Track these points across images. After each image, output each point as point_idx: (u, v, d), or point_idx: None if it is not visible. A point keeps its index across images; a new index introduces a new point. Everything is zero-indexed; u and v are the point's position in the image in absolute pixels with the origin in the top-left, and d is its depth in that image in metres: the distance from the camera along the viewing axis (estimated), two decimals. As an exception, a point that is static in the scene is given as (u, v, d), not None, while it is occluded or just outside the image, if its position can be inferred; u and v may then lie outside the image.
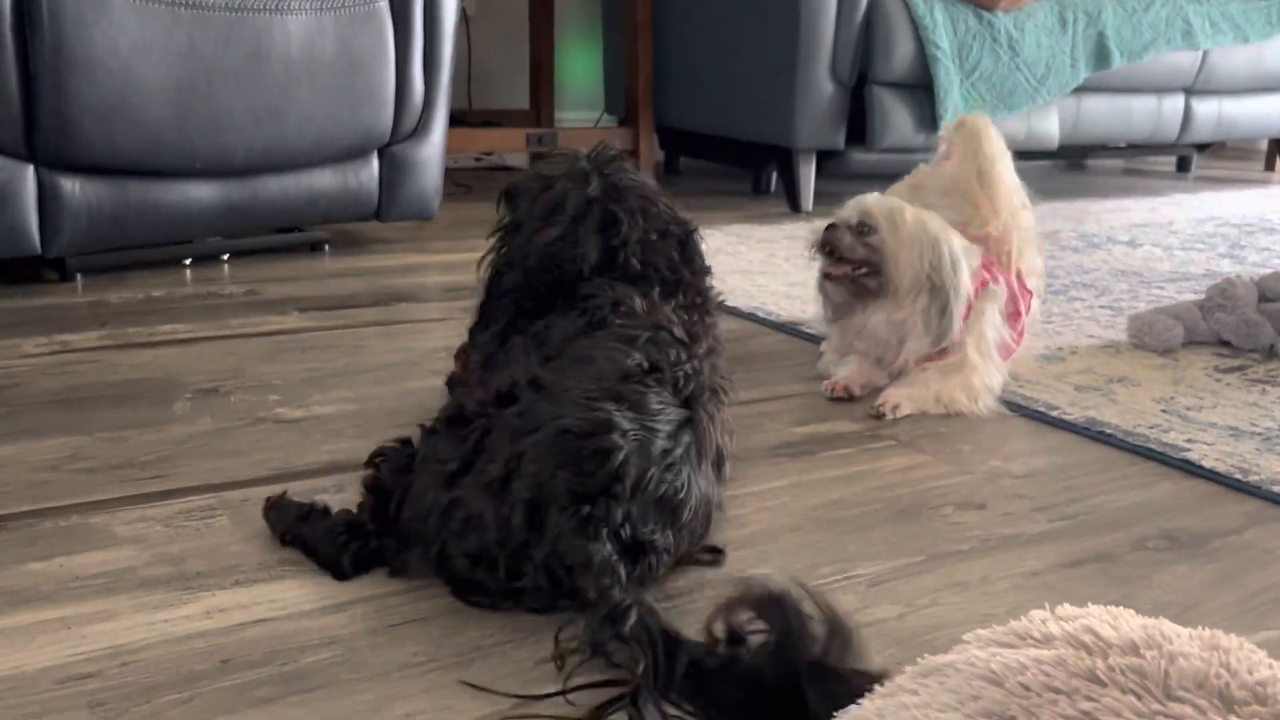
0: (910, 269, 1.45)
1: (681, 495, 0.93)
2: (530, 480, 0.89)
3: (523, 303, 1.29)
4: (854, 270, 1.48)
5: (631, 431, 0.92)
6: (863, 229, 1.47)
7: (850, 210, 1.50)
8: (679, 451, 0.95)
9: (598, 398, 0.94)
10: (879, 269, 1.47)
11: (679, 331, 1.13)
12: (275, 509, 1.04)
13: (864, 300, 1.50)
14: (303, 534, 1.00)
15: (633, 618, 0.82)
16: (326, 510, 1.02)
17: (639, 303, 1.17)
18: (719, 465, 1.03)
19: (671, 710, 0.78)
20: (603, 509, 0.88)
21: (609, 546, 0.87)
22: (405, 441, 1.04)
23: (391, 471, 1.00)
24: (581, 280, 1.24)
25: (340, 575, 0.96)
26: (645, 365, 1.00)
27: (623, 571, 0.87)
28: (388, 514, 0.98)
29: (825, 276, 1.52)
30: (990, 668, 0.58)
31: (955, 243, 1.46)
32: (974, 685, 0.58)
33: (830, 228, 1.49)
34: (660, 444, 0.93)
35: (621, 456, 0.89)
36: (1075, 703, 0.54)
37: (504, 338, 1.26)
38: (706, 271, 1.31)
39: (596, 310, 1.18)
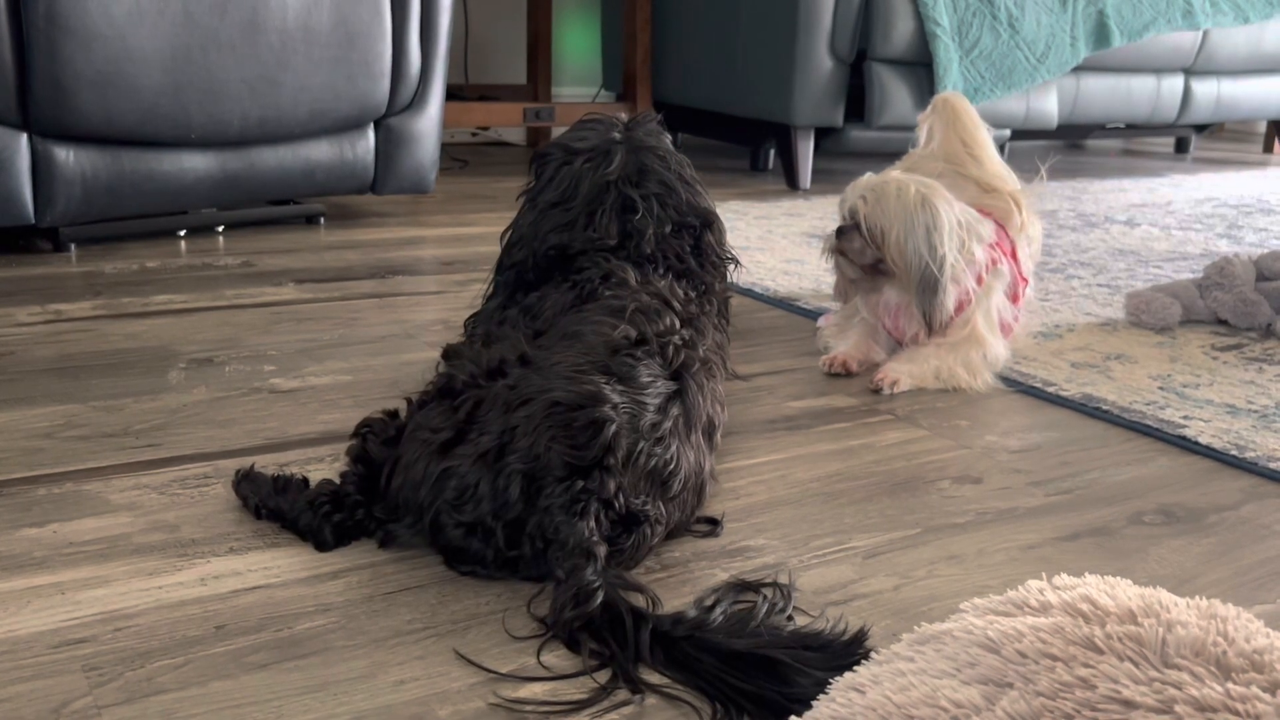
0: (899, 248, 1.44)
1: (671, 467, 0.94)
2: (526, 453, 0.89)
3: (524, 275, 1.29)
4: (868, 269, 1.49)
5: (621, 404, 0.92)
6: (870, 232, 1.46)
7: (844, 206, 1.50)
8: (668, 425, 0.95)
9: (586, 370, 0.95)
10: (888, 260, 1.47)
11: (676, 304, 1.13)
12: (247, 480, 1.03)
13: (879, 280, 1.50)
14: (280, 506, 0.99)
15: (599, 598, 0.82)
16: (305, 481, 1.01)
17: (631, 274, 1.17)
18: (709, 434, 1.04)
19: (655, 678, 0.78)
20: (595, 482, 0.89)
21: (591, 524, 0.88)
22: (392, 414, 1.04)
23: (379, 443, 0.99)
24: (580, 255, 1.24)
25: (322, 546, 0.95)
26: (632, 337, 1.01)
27: (601, 551, 0.87)
28: (375, 485, 0.97)
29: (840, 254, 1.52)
30: (987, 635, 0.58)
31: (956, 213, 1.45)
32: (971, 652, 0.58)
33: (839, 232, 1.49)
34: (649, 417, 0.94)
35: (613, 429, 0.90)
36: (1072, 669, 0.54)
37: (505, 310, 1.26)
38: (722, 264, 1.31)
39: (587, 283, 1.18)
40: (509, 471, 0.89)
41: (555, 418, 0.90)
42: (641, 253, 1.24)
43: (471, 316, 1.36)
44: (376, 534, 0.97)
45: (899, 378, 1.43)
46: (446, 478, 0.91)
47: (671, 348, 1.01)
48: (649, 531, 0.92)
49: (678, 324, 1.08)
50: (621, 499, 0.90)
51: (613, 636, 0.80)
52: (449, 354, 1.22)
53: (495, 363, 0.99)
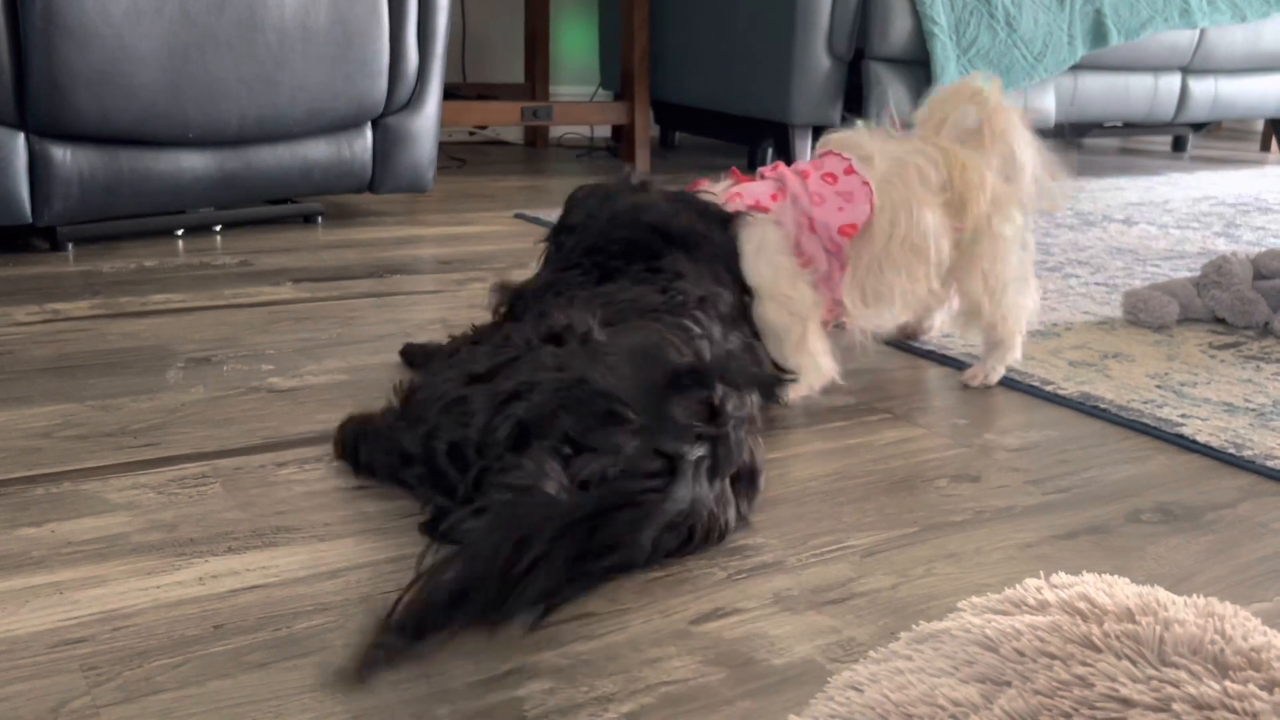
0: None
1: (665, 505, 0.91)
2: (533, 407, 0.91)
3: (588, 259, 1.28)
4: None
5: (640, 421, 0.92)
6: None
7: None
8: (687, 471, 0.92)
9: (629, 375, 0.94)
10: None
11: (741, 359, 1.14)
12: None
13: None
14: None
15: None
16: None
17: (721, 304, 1.19)
18: (749, 484, 1.02)
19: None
20: (582, 463, 0.89)
21: (557, 467, 0.89)
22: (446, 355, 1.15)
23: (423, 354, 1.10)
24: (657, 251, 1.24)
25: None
26: (692, 376, 0.98)
27: (551, 487, 0.88)
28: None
29: None
30: (985, 633, 0.59)
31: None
32: (969, 650, 0.58)
33: None
34: (666, 444, 0.92)
35: (618, 436, 0.90)
36: (1070, 667, 0.54)
37: (557, 291, 1.25)
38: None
39: (678, 293, 1.17)
40: (509, 414, 0.92)
41: (577, 393, 0.91)
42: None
43: (514, 291, 1.34)
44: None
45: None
46: (459, 401, 0.96)
47: (720, 401, 0.98)
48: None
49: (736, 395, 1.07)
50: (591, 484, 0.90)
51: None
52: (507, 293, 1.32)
53: (560, 328, 1.03)
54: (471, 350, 1.05)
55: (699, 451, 0.94)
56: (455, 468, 0.95)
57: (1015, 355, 1.45)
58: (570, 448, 0.90)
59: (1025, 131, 1.41)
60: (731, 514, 0.98)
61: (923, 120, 1.44)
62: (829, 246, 1.33)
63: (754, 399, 1.06)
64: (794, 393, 1.34)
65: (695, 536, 0.95)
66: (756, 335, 1.30)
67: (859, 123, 1.45)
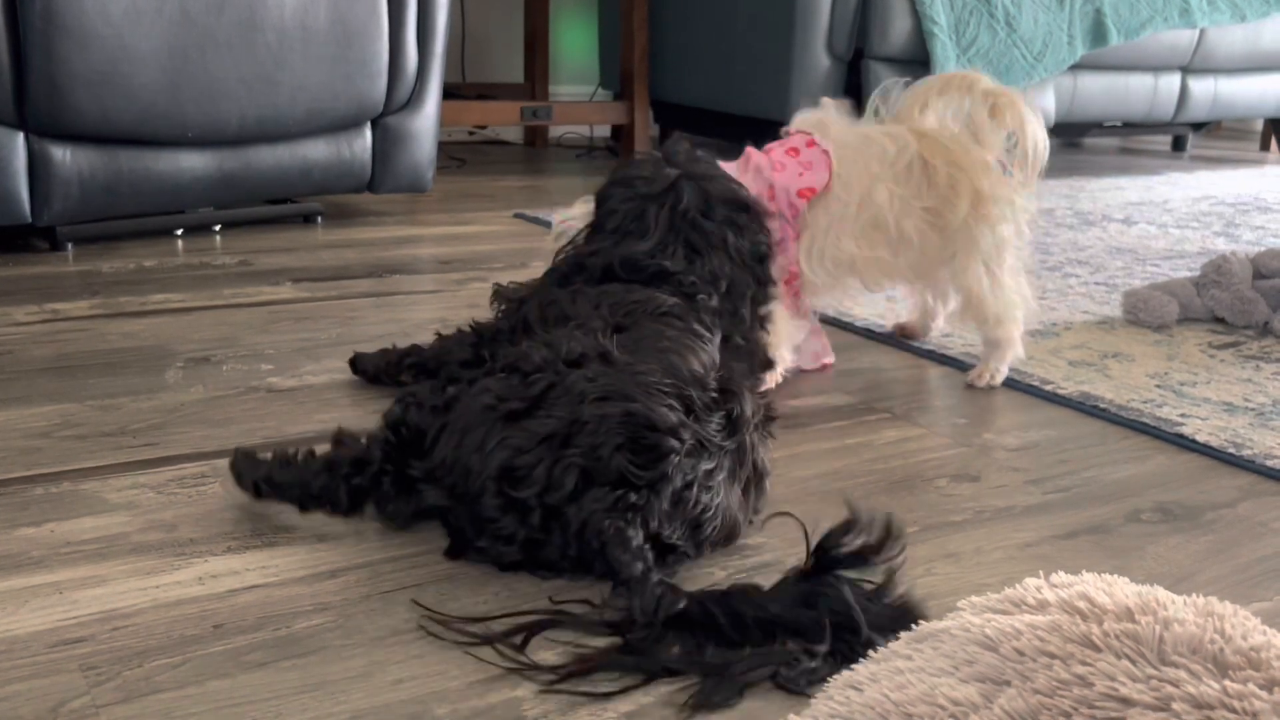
0: None
1: (709, 514, 0.93)
2: (589, 450, 0.88)
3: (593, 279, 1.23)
4: None
5: (688, 444, 0.91)
6: None
7: None
8: (721, 476, 0.94)
9: (667, 393, 0.93)
10: None
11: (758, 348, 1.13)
12: (243, 458, 1.01)
13: None
14: (285, 479, 0.98)
15: (682, 599, 0.83)
16: (311, 453, 1.00)
17: (715, 298, 1.17)
18: (757, 485, 1.02)
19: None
20: (644, 500, 0.89)
21: (640, 534, 0.88)
22: (439, 388, 1.01)
23: (425, 411, 0.97)
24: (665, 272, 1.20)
25: (337, 508, 0.97)
26: (711, 379, 0.98)
27: (650, 556, 0.88)
28: (402, 453, 0.96)
29: None
30: (985, 633, 0.58)
31: None
32: (969, 650, 0.58)
33: None
34: (705, 464, 0.92)
35: (675, 462, 0.89)
36: (1070, 667, 0.54)
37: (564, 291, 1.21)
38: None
39: (691, 286, 1.16)
40: (568, 461, 0.88)
41: (628, 428, 0.89)
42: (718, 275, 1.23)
43: (513, 298, 1.31)
44: (391, 506, 0.96)
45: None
46: (505, 448, 0.90)
47: (740, 404, 0.99)
48: (673, 560, 0.93)
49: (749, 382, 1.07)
50: (658, 526, 0.90)
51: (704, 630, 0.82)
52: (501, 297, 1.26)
53: (575, 355, 0.97)
54: (483, 384, 0.96)
55: (727, 464, 0.95)
56: (514, 519, 0.90)
57: (1018, 352, 1.45)
58: (630, 492, 0.89)
59: (1033, 111, 1.41)
60: (744, 517, 1.00)
61: (903, 107, 1.45)
62: (787, 212, 1.35)
63: (760, 401, 1.06)
64: (770, 380, 1.35)
65: (717, 541, 0.97)
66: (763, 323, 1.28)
67: (825, 101, 1.45)
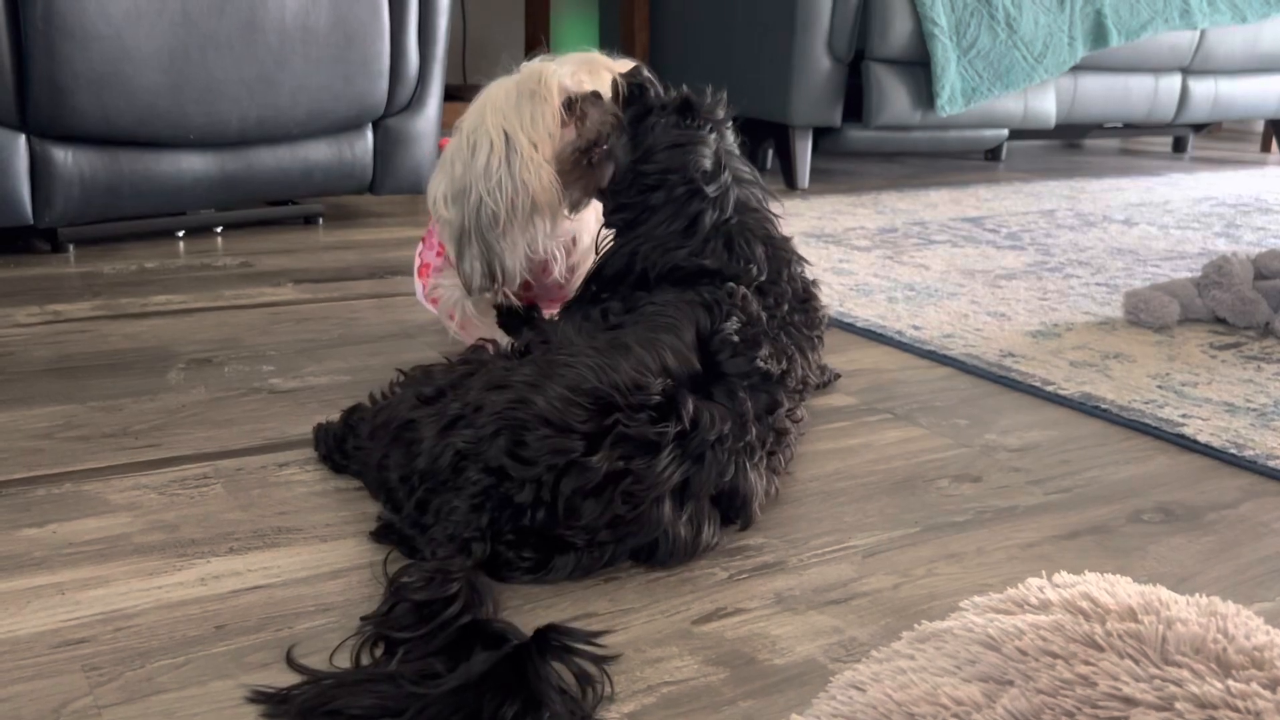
0: None
1: (631, 525, 0.90)
2: (473, 434, 0.90)
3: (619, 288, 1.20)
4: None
5: (599, 455, 0.88)
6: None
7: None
8: (646, 490, 0.90)
9: (580, 401, 0.90)
10: None
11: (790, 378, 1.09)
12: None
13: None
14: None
15: (455, 588, 0.82)
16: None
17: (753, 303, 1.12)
18: (732, 508, 0.99)
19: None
20: (514, 489, 0.88)
21: (484, 520, 0.88)
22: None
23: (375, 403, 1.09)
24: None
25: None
26: (659, 384, 0.94)
27: (478, 550, 0.87)
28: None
29: None
30: (988, 633, 0.58)
31: None
32: (971, 650, 0.58)
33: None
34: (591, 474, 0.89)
35: (562, 461, 0.87)
36: (1073, 666, 0.54)
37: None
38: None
39: (721, 293, 1.11)
40: (450, 443, 0.91)
41: (517, 419, 0.89)
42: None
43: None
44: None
45: None
46: (406, 428, 0.97)
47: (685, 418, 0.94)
48: (569, 564, 0.91)
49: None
50: (531, 519, 0.88)
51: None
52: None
53: (524, 345, 1.05)
54: (433, 369, 1.05)
55: (676, 478, 0.93)
56: (404, 492, 0.95)
57: None
58: (495, 477, 0.88)
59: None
60: (705, 536, 0.96)
61: None
62: None
63: (760, 403, 1.04)
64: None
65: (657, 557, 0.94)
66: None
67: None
